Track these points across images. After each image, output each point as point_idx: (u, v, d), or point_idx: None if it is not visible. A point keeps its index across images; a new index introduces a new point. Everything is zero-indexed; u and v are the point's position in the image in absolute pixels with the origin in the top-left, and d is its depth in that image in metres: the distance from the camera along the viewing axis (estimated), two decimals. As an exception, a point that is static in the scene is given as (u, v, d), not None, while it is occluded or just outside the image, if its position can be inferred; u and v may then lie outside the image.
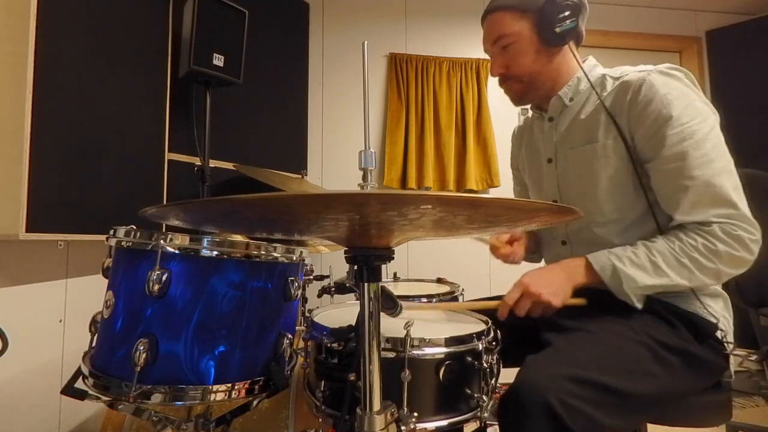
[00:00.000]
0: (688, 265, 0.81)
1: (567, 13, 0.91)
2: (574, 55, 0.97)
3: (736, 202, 0.80)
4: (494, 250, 1.14)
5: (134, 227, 0.78)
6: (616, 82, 0.92)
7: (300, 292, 0.84)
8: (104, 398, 0.74)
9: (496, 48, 0.99)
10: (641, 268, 0.83)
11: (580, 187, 0.96)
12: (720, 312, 0.88)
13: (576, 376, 0.68)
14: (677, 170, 0.82)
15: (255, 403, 0.87)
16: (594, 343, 0.77)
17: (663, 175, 0.85)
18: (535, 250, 1.23)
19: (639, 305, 0.84)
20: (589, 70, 0.97)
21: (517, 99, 1.04)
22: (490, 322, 0.84)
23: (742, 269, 0.82)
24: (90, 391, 0.75)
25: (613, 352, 0.75)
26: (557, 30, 0.92)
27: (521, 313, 0.84)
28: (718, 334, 0.85)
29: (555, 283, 0.85)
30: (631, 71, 0.91)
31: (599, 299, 0.88)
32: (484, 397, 0.74)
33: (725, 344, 0.86)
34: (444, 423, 0.70)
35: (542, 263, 1.21)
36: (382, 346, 0.68)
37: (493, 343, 0.78)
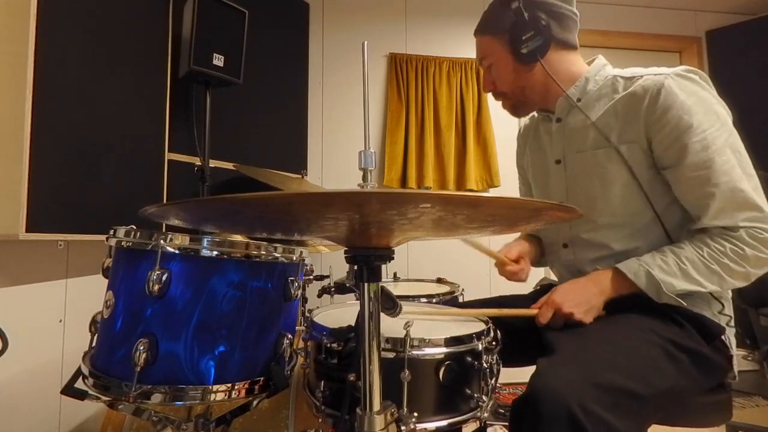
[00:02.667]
0: (718, 271, 0.81)
1: (530, 33, 0.92)
2: (548, 71, 0.95)
3: (760, 205, 0.81)
4: (501, 266, 1.11)
5: (134, 227, 0.78)
6: (628, 83, 0.90)
7: (300, 292, 0.84)
8: (104, 398, 0.74)
9: (483, 67, 1.04)
10: (672, 276, 0.82)
11: (591, 190, 0.95)
12: (725, 314, 0.88)
13: (595, 381, 0.65)
14: (703, 177, 0.82)
15: (255, 403, 0.87)
16: (605, 345, 0.75)
17: (688, 182, 0.84)
18: (541, 258, 1.22)
19: (684, 303, 0.83)
20: (598, 69, 0.97)
21: (512, 112, 1.07)
22: (489, 322, 0.84)
23: (765, 270, 0.83)
24: (90, 391, 0.75)
25: (626, 353, 0.74)
26: (524, 50, 0.93)
27: (556, 327, 0.86)
28: (723, 338, 0.85)
29: (588, 301, 0.86)
30: (644, 73, 0.89)
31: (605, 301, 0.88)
32: (484, 397, 0.74)
33: (729, 346, 0.86)
34: (444, 423, 0.70)
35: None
36: (382, 346, 0.68)
37: (493, 343, 0.78)
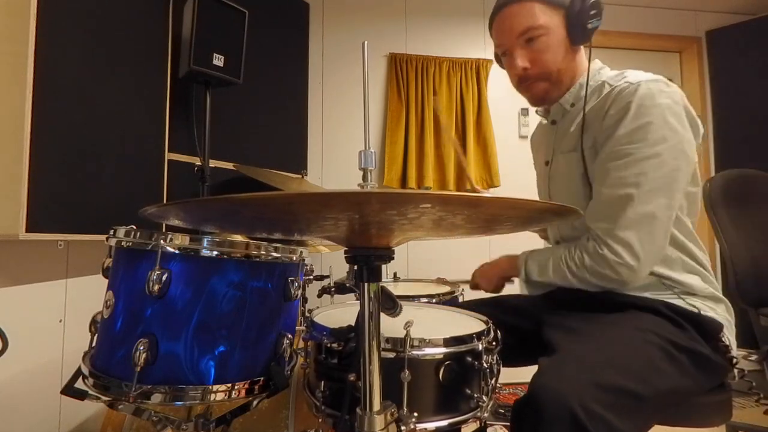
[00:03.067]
0: (563, 270, 0.91)
1: (596, 10, 0.90)
2: (590, 54, 0.97)
3: (618, 225, 0.83)
4: None
5: (134, 227, 0.78)
6: (611, 90, 0.91)
7: (300, 292, 0.84)
8: (104, 398, 0.74)
9: (521, 41, 0.93)
10: (538, 265, 0.96)
11: (573, 190, 0.96)
12: (722, 315, 0.88)
13: (597, 381, 0.65)
14: (598, 180, 0.88)
15: (255, 403, 0.87)
16: (605, 345, 0.76)
17: (595, 176, 0.90)
18: None
19: (532, 292, 1.05)
20: (593, 74, 0.96)
21: (539, 99, 0.99)
22: (490, 322, 0.84)
23: (611, 284, 0.87)
24: (90, 391, 0.75)
25: (627, 353, 0.74)
26: (589, 26, 0.90)
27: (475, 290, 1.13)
28: (723, 338, 0.85)
29: (488, 274, 1.12)
30: (626, 77, 0.90)
31: (605, 301, 0.88)
32: (484, 398, 0.74)
33: (729, 347, 0.86)
34: (444, 423, 0.70)
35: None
36: (382, 346, 0.68)
37: (493, 343, 0.78)
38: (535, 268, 0.96)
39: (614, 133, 0.84)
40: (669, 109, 0.82)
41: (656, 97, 0.82)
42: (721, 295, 0.90)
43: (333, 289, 1.27)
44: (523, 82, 0.97)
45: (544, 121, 1.11)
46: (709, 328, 0.84)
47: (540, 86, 0.96)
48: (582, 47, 0.97)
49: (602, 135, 0.87)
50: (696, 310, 0.85)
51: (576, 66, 0.97)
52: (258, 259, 0.79)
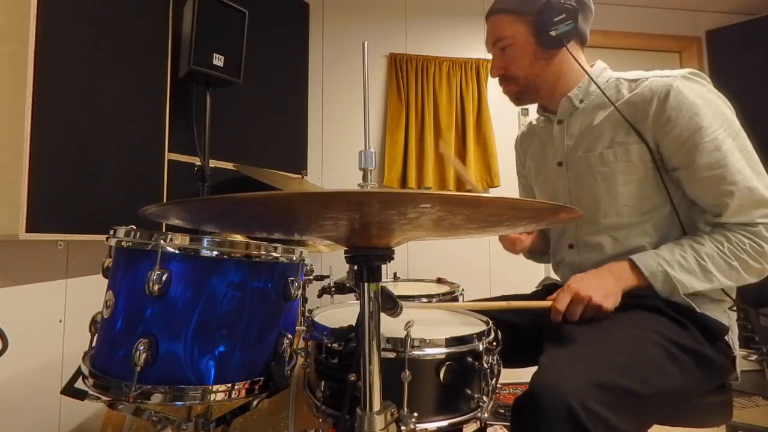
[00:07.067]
0: (737, 267, 0.82)
1: (563, 16, 0.91)
2: (575, 58, 0.96)
3: None
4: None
5: (134, 227, 0.78)
6: (633, 85, 0.90)
7: (300, 292, 0.84)
8: (104, 398, 0.74)
9: (496, 49, 1.01)
10: (691, 273, 0.83)
11: (595, 191, 0.95)
12: (727, 316, 0.88)
13: (596, 380, 0.65)
14: (718, 177, 0.83)
15: (255, 403, 0.87)
16: (606, 344, 0.75)
17: (703, 182, 0.85)
18: (543, 251, 1.22)
19: (693, 305, 0.85)
20: (597, 73, 0.96)
21: (515, 99, 1.05)
22: (490, 322, 0.84)
23: None
24: (90, 391, 0.75)
25: (628, 353, 0.73)
26: (553, 33, 0.92)
27: (575, 318, 0.84)
28: (727, 338, 0.85)
29: (604, 286, 0.85)
30: (650, 76, 0.89)
31: None
32: (485, 398, 0.74)
33: (732, 347, 0.86)
34: (444, 423, 0.70)
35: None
36: (383, 346, 0.68)
37: (494, 344, 0.78)
38: (686, 277, 0.83)
39: (700, 127, 0.82)
40: (710, 92, 0.87)
41: (706, 83, 0.87)
42: (725, 296, 0.90)
43: (333, 289, 1.27)
44: (501, 84, 1.05)
45: (541, 122, 1.10)
46: (713, 330, 0.83)
47: (513, 88, 1.03)
48: (570, 50, 0.96)
49: (668, 131, 0.85)
50: (701, 311, 0.85)
51: (556, 69, 0.97)
52: (258, 259, 0.79)
